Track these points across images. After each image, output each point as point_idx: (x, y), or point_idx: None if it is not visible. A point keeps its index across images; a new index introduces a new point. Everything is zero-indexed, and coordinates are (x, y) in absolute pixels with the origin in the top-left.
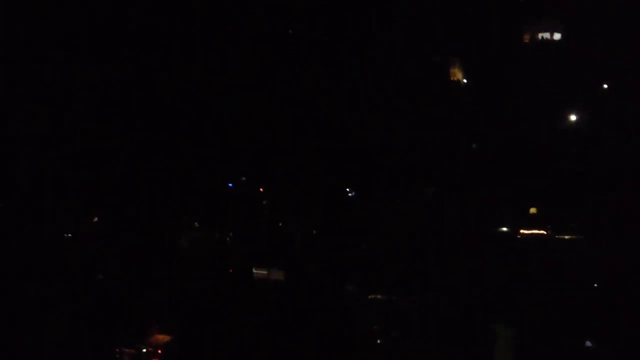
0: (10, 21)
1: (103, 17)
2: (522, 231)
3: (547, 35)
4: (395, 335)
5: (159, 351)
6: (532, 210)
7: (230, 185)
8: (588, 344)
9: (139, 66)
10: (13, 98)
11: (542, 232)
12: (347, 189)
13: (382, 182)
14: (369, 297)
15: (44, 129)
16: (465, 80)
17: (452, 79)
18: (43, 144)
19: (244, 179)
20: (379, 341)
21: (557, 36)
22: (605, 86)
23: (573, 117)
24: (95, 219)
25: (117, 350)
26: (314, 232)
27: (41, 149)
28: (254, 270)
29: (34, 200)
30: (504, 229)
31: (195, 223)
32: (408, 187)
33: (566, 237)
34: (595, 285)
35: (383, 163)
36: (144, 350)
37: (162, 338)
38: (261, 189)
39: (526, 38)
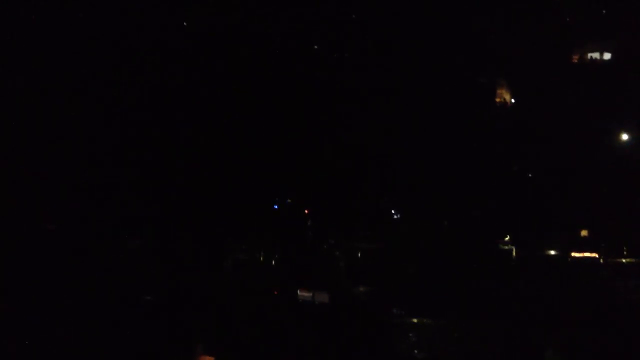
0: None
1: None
2: (573, 254)
3: (596, 55)
4: None
5: None
6: (583, 232)
7: (275, 207)
8: None
9: (189, 88)
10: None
11: (594, 255)
12: (392, 211)
13: (427, 204)
14: (413, 320)
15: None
16: (512, 101)
17: (498, 100)
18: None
19: (289, 201)
20: None
21: (606, 56)
22: None
23: (624, 138)
24: (140, 240)
25: None
26: (359, 254)
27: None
28: (299, 293)
29: (81, 221)
30: (554, 252)
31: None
32: (455, 208)
33: (619, 260)
34: None
35: (428, 184)
36: None
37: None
38: (306, 211)
39: (575, 58)
